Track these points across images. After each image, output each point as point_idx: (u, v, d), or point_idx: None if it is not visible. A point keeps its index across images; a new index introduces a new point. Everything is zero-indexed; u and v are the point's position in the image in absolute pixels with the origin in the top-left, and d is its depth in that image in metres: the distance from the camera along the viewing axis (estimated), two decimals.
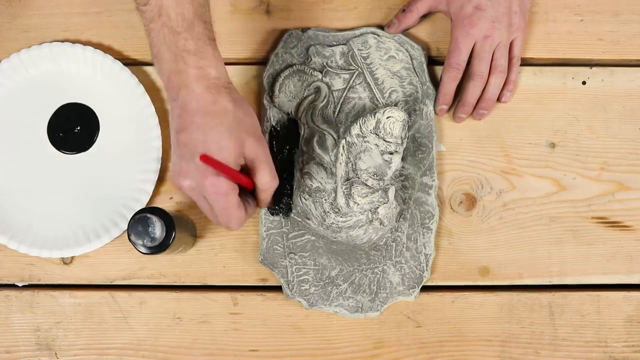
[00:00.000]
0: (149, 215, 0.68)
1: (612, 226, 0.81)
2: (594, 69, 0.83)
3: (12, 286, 0.80)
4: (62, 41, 0.81)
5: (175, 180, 0.64)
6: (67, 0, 0.83)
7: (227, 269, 0.80)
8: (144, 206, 0.78)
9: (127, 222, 0.76)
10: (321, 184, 0.76)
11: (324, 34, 0.81)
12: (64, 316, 0.79)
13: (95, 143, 0.80)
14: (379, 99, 0.80)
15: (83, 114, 0.81)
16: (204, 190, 0.63)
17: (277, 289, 0.80)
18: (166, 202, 0.80)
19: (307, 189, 0.77)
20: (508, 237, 0.80)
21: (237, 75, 0.82)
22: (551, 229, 0.80)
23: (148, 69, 0.82)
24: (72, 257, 0.80)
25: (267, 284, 0.80)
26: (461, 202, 0.81)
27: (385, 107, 0.74)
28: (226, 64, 0.81)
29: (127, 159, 0.80)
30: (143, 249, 0.69)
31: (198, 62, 0.64)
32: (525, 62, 0.83)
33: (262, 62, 0.82)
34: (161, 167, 0.79)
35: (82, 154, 0.80)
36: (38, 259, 0.80)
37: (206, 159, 0.62)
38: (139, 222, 0.68)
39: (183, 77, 0.63)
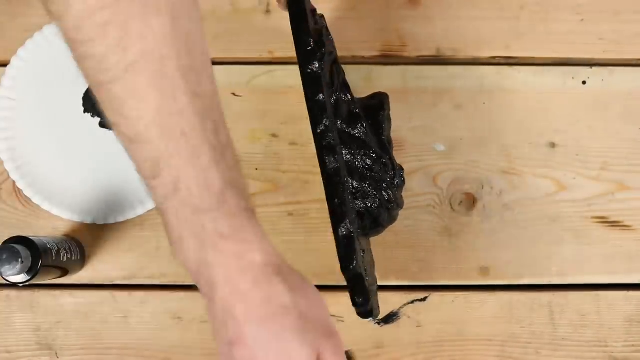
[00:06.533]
0: (15, 245, 0.68)
1: (613, 226, 0.81)
2: (594, 68, 0.82)
3: (13, 286, 0.80)
4: None
5: None
6: None
7: None
8: None
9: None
10: None
11: None
12: (64, 316, 0.80)
13: None
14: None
15: None
16: None
17: None
18: None
19: None
20: (508, 237, 0.80)
21: (238, 75, 0.82)
22: (551, 228, 0.80)
23: None
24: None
25: None
26: (461, 202, 0.81)
27: None
28: (226, 64, 0.83)
29: None
30: (12, 280, 0.69)
31: (236, 248, 0.48)
32: (525, 62, 0.83)
33: (262, 62, 0.82)
34: None
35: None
36: None
37: None
38: (3, 251, 0.68)
39: (218, 271, 0.48)
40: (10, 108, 0.81)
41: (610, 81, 0.82)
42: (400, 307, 0.79)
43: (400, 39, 0.83)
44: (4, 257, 0.67)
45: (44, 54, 0.81)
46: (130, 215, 0.80)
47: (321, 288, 0.79)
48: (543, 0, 0.83)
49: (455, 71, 0.82)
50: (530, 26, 0.83)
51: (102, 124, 0.82)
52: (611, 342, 0.79)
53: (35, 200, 0.80)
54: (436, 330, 0.79)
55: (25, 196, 0.81)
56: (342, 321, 0.79)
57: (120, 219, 0.80)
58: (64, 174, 0.81)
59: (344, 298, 0.73)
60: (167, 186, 0.47)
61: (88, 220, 0.80)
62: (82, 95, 0.82)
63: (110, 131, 0.80)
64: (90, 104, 0.82)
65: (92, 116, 0.82)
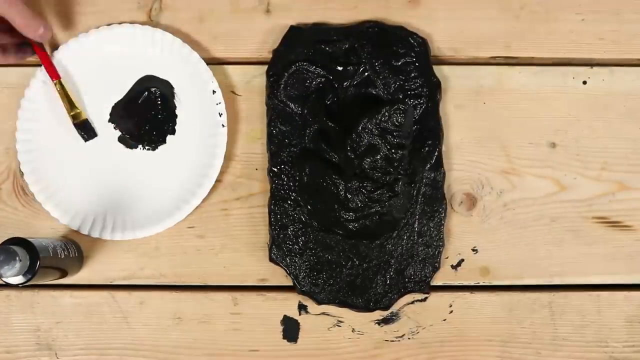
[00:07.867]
0: (12, 247, 0.68)
1: (613, 226, 0.81)
2: (595, 68, 0.82)
3: (12, 286, 0.80)
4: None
5: None
6: (67, 0, 0.83)
7: (227, 269, 0.80)
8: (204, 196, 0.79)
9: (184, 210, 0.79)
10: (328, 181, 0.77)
11: (327, 29, 0.81)
12: (64, 316, 0.80)
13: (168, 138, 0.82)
14: (383, 93, 0.80)
15: (154, 104, 0.81)
16: None
17: (277, 288, 0.80)
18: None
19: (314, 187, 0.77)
20: (508, 237, 0.80)
21: (238, 75, 0.82)
22: (551, 229, 0.80)
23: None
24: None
25: (267, 284, 0.80)
26: (462, 202, 0.81)
27: (391, 101, 0.74)
28: (226, 63, 0.83)
29: (192, 152, 0.81)
30: (10, 281, 0.69)
31: None
32: (525, 62, 0.83)
33: (262, 62, 0.82)
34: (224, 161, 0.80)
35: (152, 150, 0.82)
36: None
37: None
38: (1, 253, 0.68)
39: None
40: (35, 109, 0.81)
41: (610, 81, 0.82)
42: (400, 307, 0.79)
43: None
44: (2, 258, 0.67)
45: (77, 59, 0.81)
46: (129, 236, 0.79)
47: None
48: (543, 0, 0.83)
49: (455, 71, 0.82)
50: (531, 26, 0.83)
51: (121, 139, 0.81)
52: (611, 343, 0.79)
53: (39, 197, 0.79)
54: (436, 330, 0.79)
55: (26, 196, 0.81)
56: (342, 321, 0.79)
57: (117, 238, 0.79)
58: (71, 178, 0.80)
59: None
60: None
61: (84, 231, 0.79)
62: (111, 105, 0.81)
63: (128, 148, 0.81)
64: (117, 115, 0.81)
65: (114, 128, 0.81)
